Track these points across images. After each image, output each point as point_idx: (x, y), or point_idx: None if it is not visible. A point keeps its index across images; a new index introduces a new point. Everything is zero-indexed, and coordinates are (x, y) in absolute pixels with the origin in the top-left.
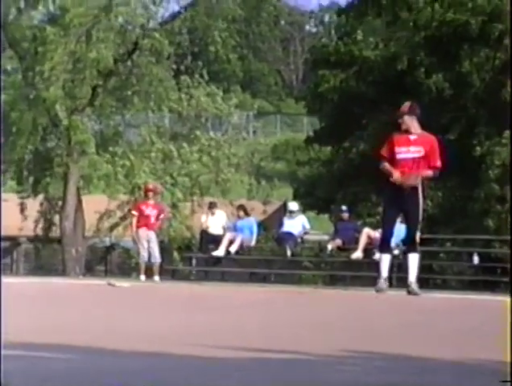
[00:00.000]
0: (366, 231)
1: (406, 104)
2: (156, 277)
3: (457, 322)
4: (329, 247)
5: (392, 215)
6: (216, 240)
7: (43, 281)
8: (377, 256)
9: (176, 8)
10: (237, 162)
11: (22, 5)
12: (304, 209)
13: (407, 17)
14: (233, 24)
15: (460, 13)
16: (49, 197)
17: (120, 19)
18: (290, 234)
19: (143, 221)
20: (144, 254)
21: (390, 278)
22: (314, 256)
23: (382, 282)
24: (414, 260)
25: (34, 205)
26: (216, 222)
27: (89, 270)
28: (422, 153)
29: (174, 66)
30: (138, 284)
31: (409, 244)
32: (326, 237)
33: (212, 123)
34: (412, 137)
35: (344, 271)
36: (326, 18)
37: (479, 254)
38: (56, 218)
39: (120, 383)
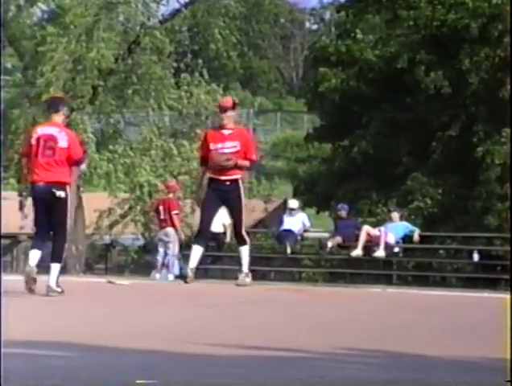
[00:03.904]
0: (366, 228)
1: (229, 100)
2: (158, 275)
3: (457, 319)
4: (329, 244)
5: (211, 209)
6: (216, 238)
7: (42, 279)
8: (377, 253)
9: (177, 6)
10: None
11: (21, 2)
12: (304, 206)
13: (407, 15)
14: (233, 21)
15: (461, 13)
16: None
17: (121, 18)
18: (290, 231)
19: (171, 220)
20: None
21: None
22: (314, 254)
23: (188, 271)
24: (245, 252)
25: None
26: (216, 219)
27: (89, 268)
28: (238, 148)
29: (174, 64)
30: (136, 282)
31: (237, 237)
32: (326, 235)
33: (212, 121)
34: (226, 132)
35: (344, 268)
36: (327, 16)
37: (479, 252)
38: None
39: (119, 381)
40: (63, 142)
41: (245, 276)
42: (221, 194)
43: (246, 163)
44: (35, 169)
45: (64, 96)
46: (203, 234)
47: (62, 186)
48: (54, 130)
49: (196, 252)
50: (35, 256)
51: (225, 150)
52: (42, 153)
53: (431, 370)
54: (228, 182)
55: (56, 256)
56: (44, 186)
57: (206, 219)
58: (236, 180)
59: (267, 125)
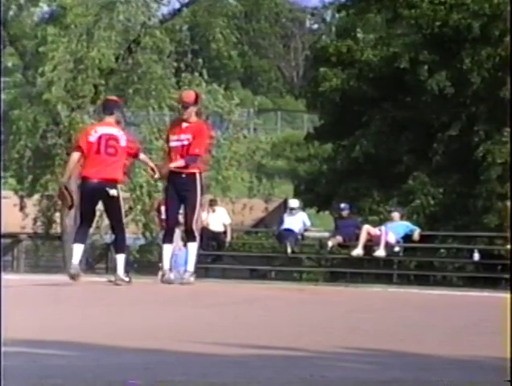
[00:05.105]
0: (366, 227)
1: (191, 94)
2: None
3: (457, 318)
4: (330, 244)
5: (172, 206)
6: (216, 237)
7: (43, 278)
8: (377, 252)
9: (177, 5)
10: (238, 159)
11: (22, 1)
12: (305, 205)
13: (408, 14)
14: (233, 20)
15: (462, 13)
16: (49, 195)
17: (121, 17)
18: (290, 231)
19: None
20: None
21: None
22: (314, 253)
23: (168, 272)
24: (192, 249)
25: (34, 203)
26: (216, 219)
27: (90, 267)
28: (190, 141)
29: (175, 64)
30: (137, 281)
31: (187, 233)
32: (327, 234)
33: (213, 121)
34: (185, 125)
35: (345, 268)
36: (328, 15)
37: (479, 251)
38: (57, 215)
39: (120, 380)
40: (123, 142)
41: (189, 275)
42: (177, 186)
43: (180, 163)
44: (94, 165)
45: (118, 98)
46: (170, 232)
47: (115, 183)
48: (114, 130)
49: (167, 251)
50: (78, 251)
51: (179, 143)
52: (105, 151)
53: (432, 369)
54: (183, 175)
55: (120, 248)
56: (98, 182)
57: (170, 217)
58: (192, 174)
59: (267, 124)
